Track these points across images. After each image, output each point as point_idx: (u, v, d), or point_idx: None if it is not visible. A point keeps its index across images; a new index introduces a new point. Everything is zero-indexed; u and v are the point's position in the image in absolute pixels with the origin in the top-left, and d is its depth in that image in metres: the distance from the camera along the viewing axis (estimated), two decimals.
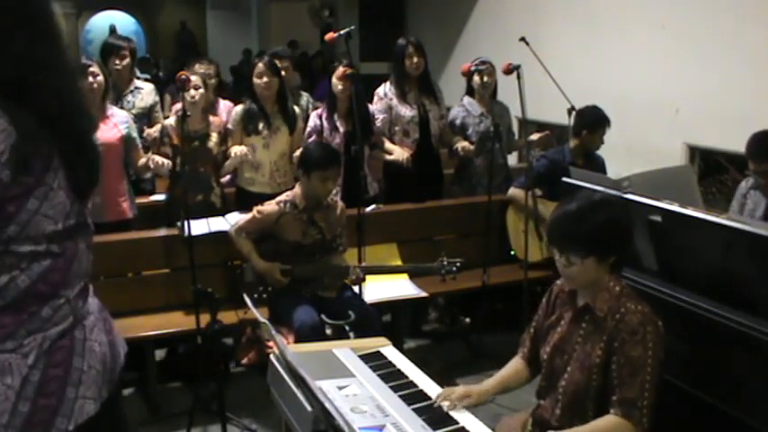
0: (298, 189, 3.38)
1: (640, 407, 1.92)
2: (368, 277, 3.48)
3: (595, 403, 2.01)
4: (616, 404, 1.95)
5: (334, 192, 3.59)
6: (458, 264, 3.40)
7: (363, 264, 3.44)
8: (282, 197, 3.38)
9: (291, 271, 3.33)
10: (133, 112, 4.25)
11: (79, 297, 1.38)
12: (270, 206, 3.35)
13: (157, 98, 4.61)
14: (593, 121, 4.13)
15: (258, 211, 3.35)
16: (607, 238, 2.00)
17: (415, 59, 4.27)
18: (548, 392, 2.18)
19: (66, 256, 1.34)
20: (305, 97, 4.91)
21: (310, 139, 4.05)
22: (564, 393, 2.08)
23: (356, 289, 3.48)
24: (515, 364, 2.32)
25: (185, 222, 3.30)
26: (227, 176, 4.13)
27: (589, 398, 2.02)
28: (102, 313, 1.46)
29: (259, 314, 2.24)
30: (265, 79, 3.92)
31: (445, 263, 3.41)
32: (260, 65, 3.97)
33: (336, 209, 3.47)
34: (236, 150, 3.83)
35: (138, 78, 4.89)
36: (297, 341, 3.06)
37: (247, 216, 3.40)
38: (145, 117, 4.38)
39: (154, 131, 3.94)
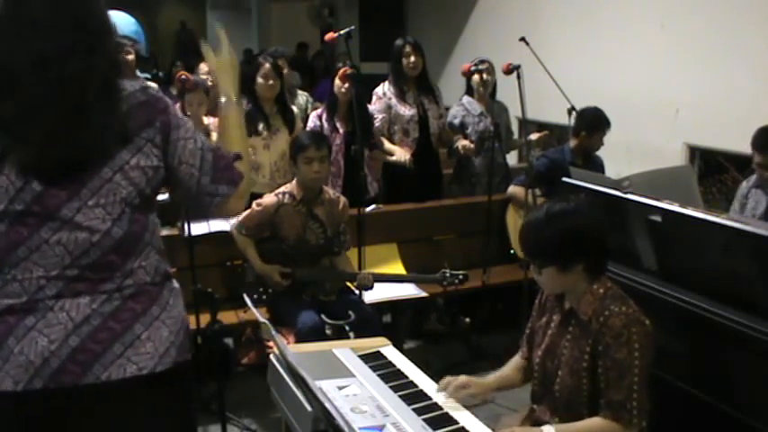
0: (295, 181, 3.39)
1: (629, 408, 1.92)
2: None
3: (589, 407, 2.01)
4: (605, 407, 1.95)
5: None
6: (460, 276, 3.43)
7: (365, 271, 3.44)
8: (281, 189, 3.39)
9: (292, 274, 3.33)
10: None
11: (43, 285, 1.44)
12: (269, 197, 3.35)
13: None
14: (591, 123, 4.13)
15: (257, 204, 3.34)
16: (562, 250, 1.98)
17: (413, 59, 4.27)
18: (543, 397, 2.18)
19: (8, 238, 1.43)
20: (303, 96, 4.90)
21: None
22: (559, 398, 2.08)
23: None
24: (516, 362, 2.32)
25: (185, 222, 3.30)
26: None
27: (582, 402, 2.03)
28: (98, 321, 1.46)
29: (259, 314, 2.24)
30: (271, 81, 3.91)
31: (448, 275, 3.43)
32: (266, 66, 3.95)
33: (339, 204, 3.47)
34: None
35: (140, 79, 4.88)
36: (298, 341, 3.06)
37: (246, 211, 3.39)
38: None
39: None
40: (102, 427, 1.52)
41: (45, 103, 1.41)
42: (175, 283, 1.65)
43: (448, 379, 2.17)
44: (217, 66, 1.80)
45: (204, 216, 1.67)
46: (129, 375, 1.48)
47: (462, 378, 2.17)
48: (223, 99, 1.78)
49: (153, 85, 4.60)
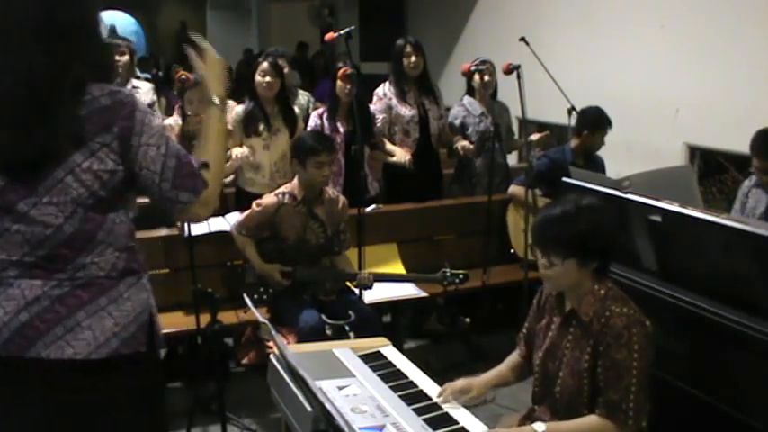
0: (295, 181, 3.38)
1: (625, 409, 1.92)
2: None
3: (589, 408, 2.01)
4: (601, 405, 1.96)
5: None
6: (461, 275, 3.43)
7: (366, 271, 3.43)
8: (281, 189, 3.39)
9: (293, 273, 3.32)
10: None
11: (6, 266, 1.55)
12: (268, 198, 3.35)
13: (155, 97, 4.60)
14: (593, 122, 4.14)
15: (257, 204, 3.34)
16: (589, 243, 1.99)
17: (413, 59, 4.27)
18: (544, 398, 2.18)
19: None
20: (305, 96, 4.90)
21: None
22: (560, 399, 2.08)
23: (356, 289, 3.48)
24: (514, 359, 2.34)
25: (185, 222, 3.29)
26: (230, 177, 4.11)
27: (582, 403, 2.02)
28: (47, 302, 1.55)
29: (259, 314, 2.24)
30: (268, 79, 3.90)
31: (448, 274, 3.43)
32: (264, 63, 3.94)
33: (338, 203, 3.47)
34: (237, 152, 3.82)
35: (138, 78, 4.88)
36: (299, 341, 3.06)
37: (246, 212, 3.39)
38: None
39: None
40: (47, 403, 1.60)
41: (14, 103, 1.48)
42: (143, 280, 1.69)
43: (447, 385, 2.18)
44: (203, 68, 1.85)
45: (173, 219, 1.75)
46: (66, 357, 1.56)
47: (460, 382, 2.18)
48: (207, 99, 1.82)
49: (148, 84, 4.62)
